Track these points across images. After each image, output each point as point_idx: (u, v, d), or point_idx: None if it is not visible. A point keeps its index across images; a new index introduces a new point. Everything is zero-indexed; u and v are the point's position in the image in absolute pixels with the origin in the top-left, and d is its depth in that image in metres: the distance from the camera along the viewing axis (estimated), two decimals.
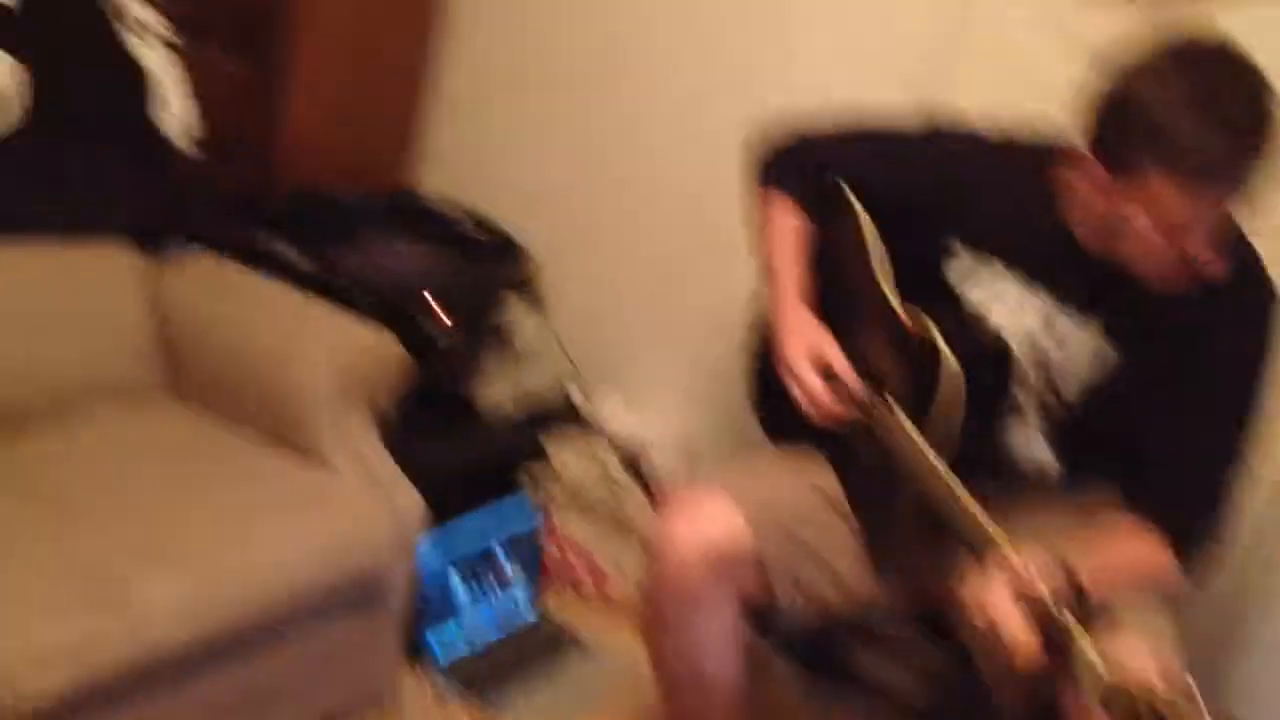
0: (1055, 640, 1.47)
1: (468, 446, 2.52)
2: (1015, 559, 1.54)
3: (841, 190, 1.91)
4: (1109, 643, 1.46)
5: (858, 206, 1.90)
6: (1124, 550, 1.70)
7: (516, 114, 2.97)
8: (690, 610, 1.80)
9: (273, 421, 2.08)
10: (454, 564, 2.35)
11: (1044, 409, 1.81)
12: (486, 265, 2.69)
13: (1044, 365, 1.78)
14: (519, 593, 2.48)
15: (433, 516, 2.25)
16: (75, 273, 2.11)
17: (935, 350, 1.74)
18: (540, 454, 2.67)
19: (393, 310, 2.30)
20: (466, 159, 3.07)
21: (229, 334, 2.15)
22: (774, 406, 1.94)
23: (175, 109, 2.19)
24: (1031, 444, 1.83)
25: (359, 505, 2.01)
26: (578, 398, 2.85)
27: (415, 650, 2.29)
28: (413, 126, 3.06)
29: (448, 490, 2.32)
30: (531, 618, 2.50)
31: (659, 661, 1.90)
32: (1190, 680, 1.44)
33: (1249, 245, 1.71)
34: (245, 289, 2.24)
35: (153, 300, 2.20)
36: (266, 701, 1.91)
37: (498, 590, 2.44)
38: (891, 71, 2.38)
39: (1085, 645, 1.44)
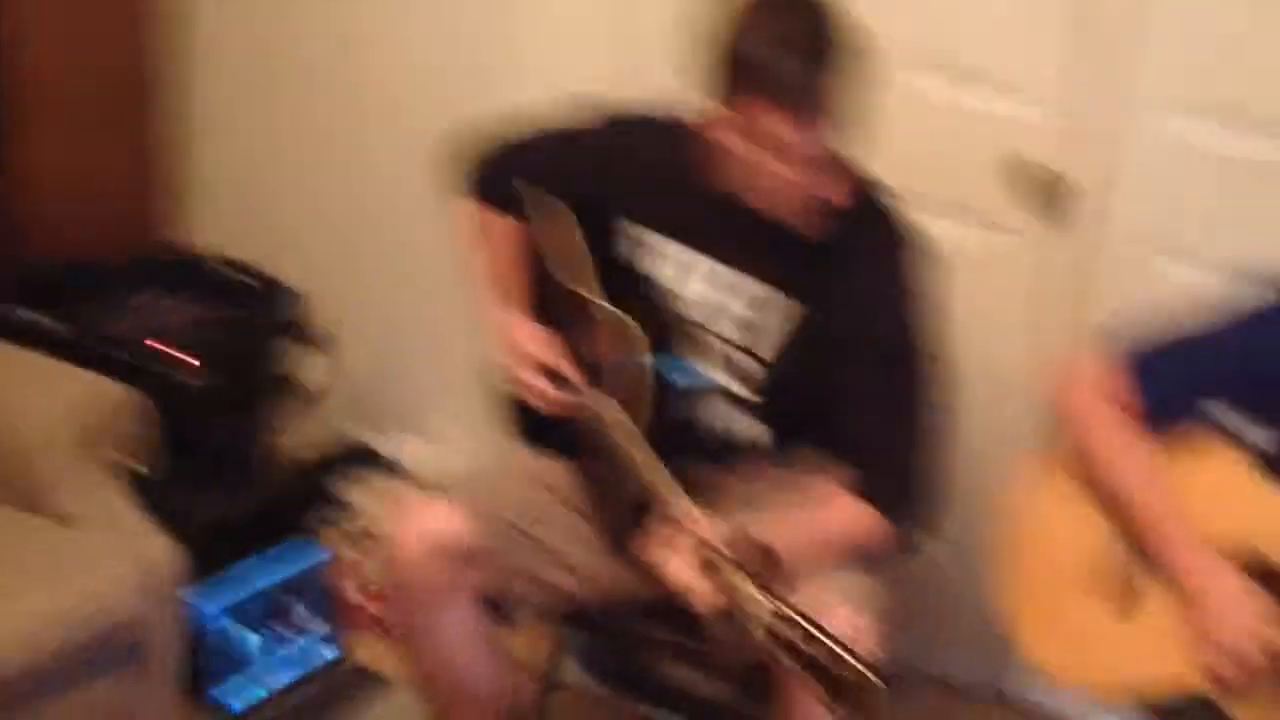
0: (725, 588, 1.51)
1: (243, 494, 2.46)
2: (690, 516, 1.60)
3: (540, 193, 1.95)
4: (797, 596, 1.49)
5: (557, 206, 1.94)
6: (827, 516, 1.76)
7: (275, 160, 2.94)
8: (426, 607, 1.86)
9: (11, 484, 2.01)
10: (232, 613, 2.28)
11: (743, 376, 1.85)
12: (248, 310, 2.64)
13: (736, 327, 1.84)
14: (315, 635, 2.43)
15: (205, 567, 2.21)
16: None
17: (625, 329, 1.81)
18: (333, 498, 2.63)
19: (135, 363, 2.26)
20: (236, 209, 3.04)
21: None
22: (520, 413, 1.99)
23: None
24: (732, 417, 1.87)
25: (104, 562, 1.95)
26: (373, 439, 2.81)
27: (206, 704, 2.22)
28: (167, 183, 3.03)
29: (219, 540, 2.28)
30: (330, 658, 2.44)
31: (412, 666, 1.96)
32: (875, 629, 1.61)
33: (881, 194, 1.81)
34: None
35: None
36: None
37: (291, 635, 2.38)
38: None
39: (746, 585, 1.47)
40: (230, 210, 3.04)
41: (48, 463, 2.01)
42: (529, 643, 2.12)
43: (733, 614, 1.49)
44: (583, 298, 1.89)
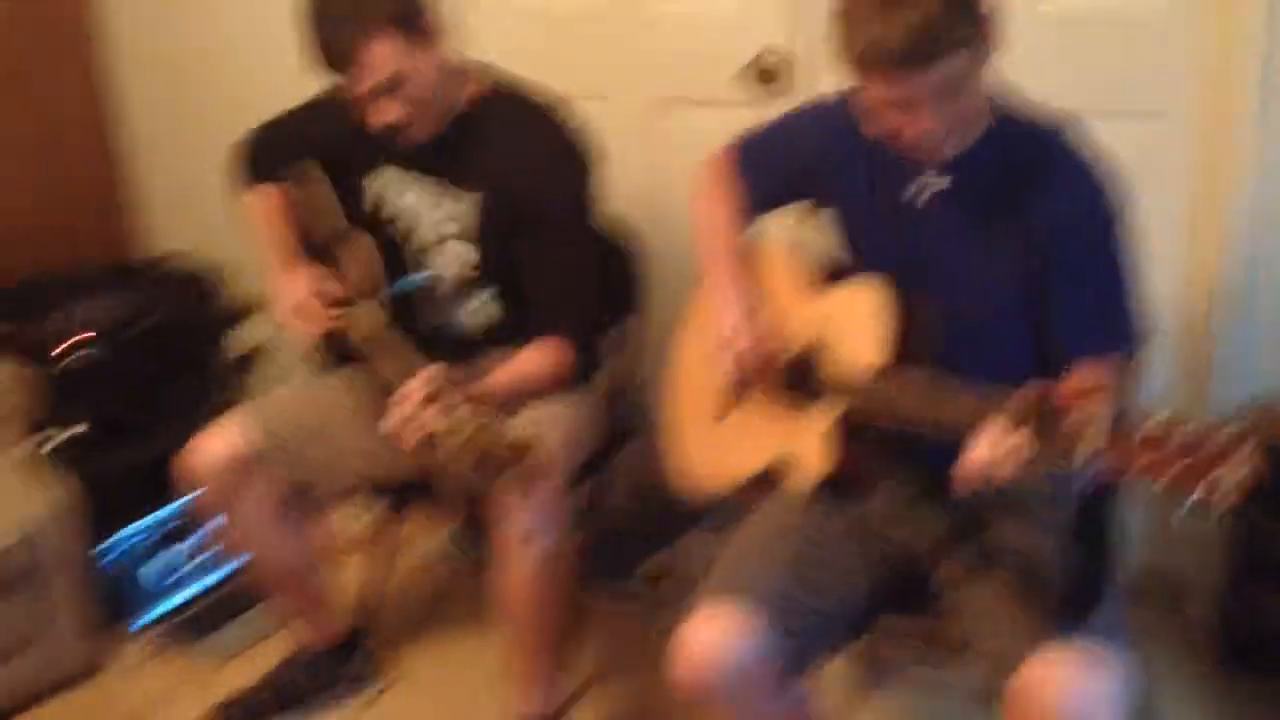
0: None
1: (143, 451, 2.87)
2: (428, 370, 1.97)
3: (290, 161, 2.36)
4: (502, 421, 1.86)
5: (309, 173, 2.35)
6: (529, 361, 2.19)
7: (204, 167, 3.38)
8: (225, 509, 2.27)
9: None
10: (133, 547, 2.75)
11: (464, 262, 2.25)
12: (158, 296, 3.12)
13: (449, 221, 2.24)
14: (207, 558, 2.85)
15: (115, 516, 2.70)
16: None
17: (364, 251, 2.23)
18: None
19: (47, 349, 2.76)
20: (172, 215, 3.52)
21: None
22: (322, 345, 2.38)
23: None
24: (470, 304, 2.30)
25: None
26: None
27: (126, 621, 2.72)
28: (119, 194, 3.52)
29: (123, 490, 2.75)
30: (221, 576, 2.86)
31: (231, 551, 2.44)
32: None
33: (510, 88, 2.24)
34: None
35: None
36: None
37: (183, 561, 2.83)
38: None
39: (464, 415, 1.85)
40: (166, 215, 3.52)
41: None
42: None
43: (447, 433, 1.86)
44: (332, 235, 2.29)
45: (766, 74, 2.58)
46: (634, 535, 2.86)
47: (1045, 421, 1.45)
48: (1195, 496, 1.31)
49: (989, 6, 1.61)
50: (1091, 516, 1.60)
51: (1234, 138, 2.25)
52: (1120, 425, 1.38)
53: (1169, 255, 2.36)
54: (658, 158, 2.79)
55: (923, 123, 1.62)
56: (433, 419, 1.89)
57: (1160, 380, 2.45)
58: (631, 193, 2.75)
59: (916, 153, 1.69)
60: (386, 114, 2.07)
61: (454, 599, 2.82)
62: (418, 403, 1.91)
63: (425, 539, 3.00)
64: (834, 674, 2.39)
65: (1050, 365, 1.71)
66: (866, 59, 1.57)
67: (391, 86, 2.05)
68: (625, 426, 2.46)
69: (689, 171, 2.15)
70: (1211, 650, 2.42)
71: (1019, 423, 1.47)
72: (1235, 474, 1.30)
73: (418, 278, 2.26)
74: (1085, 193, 1.70)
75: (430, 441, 1.90)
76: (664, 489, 2.34)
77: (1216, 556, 2.39)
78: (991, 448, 1.49)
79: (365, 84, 2.03)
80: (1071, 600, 1.60)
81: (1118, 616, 1.67)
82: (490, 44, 2.88)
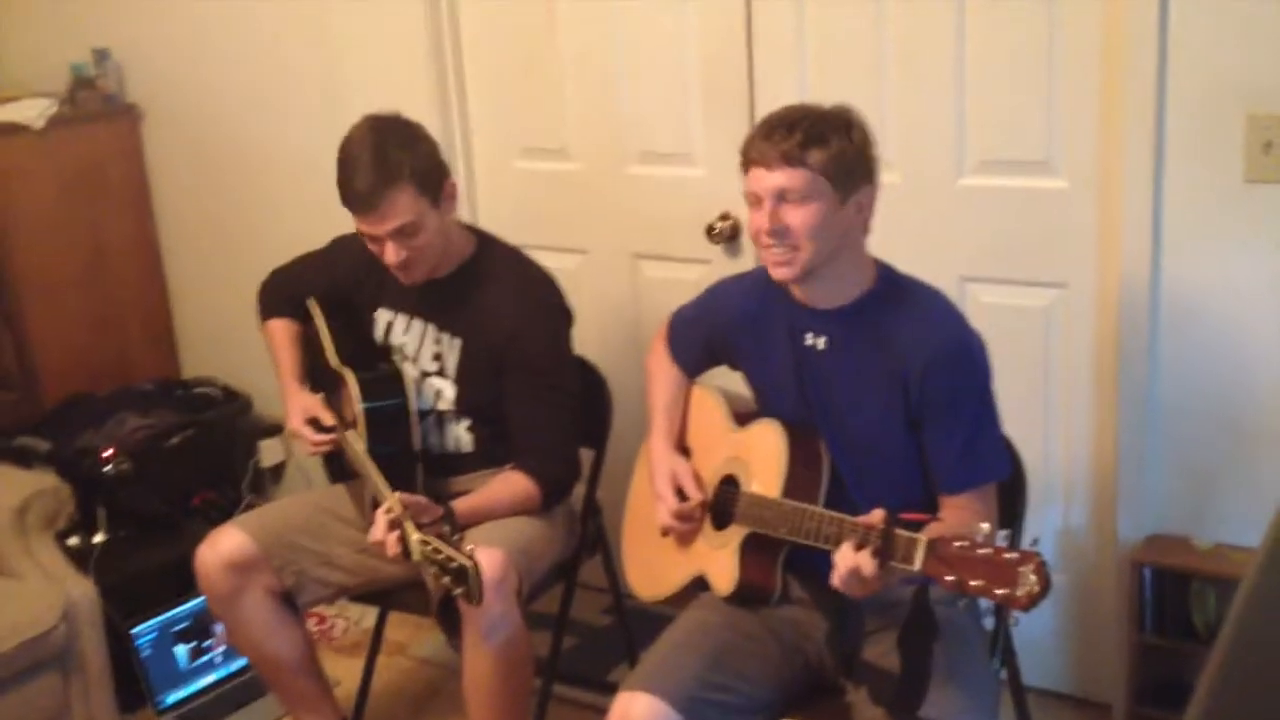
0: (401, 534, 2.22)
1: (166, 550, 3.24)
2: (390, 501, 2.28)
3: (307, 304, 2.75)
4: (463, 540, 2.20)
5: (313, 311, 2.73)
6: (502, 489, 2.52)
7: (235, 302, 3.77)
8: (226, 604, 2.59)
9: None
10: (164, 633, 3.09)
11: (443, 396, 2.58)
12: (189, 414, 3.51)
13: (431, 360, 2.60)
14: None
15: (145, 605, 3.04)
16: None
17: (353, 383, 2.57)
18: None
19: (79, 462, 3.14)
20: (210, 340, 3.94)
21: None
22: (325, 462, 2.74)
23: None
24: (446, 431, 2.62)
25: (36, 599, 2.78)
26: None
27: (147, 706, 3.04)
28: (160, 322, 3.96)
29: (151, 584, 3.10)
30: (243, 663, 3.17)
31: (235, 645, 2.70)
32: (500, 554, 2.30)
33: (496, 245, 2.64)
34: None
35: None
36: None
37: (219, 648, 3.17)
38: None
39: (409, 527, 2.20)
40: (202, 343, 3.95)
41: (5, 540, 2.85)
42: None
43: (409, 551, 2.19)
44: (330, 368, 2.64)
45: (718, 235, 2.94)
46: (603, 643, 3.15)
47: (885, 543, 1.77)
48: (997, 595, 1.63)
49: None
50: (921, 624, 1.89)
51: (1124, 307, 2.56)
52: (937, 548, 1.69)
53: (1079, 406, 2.69)
54: (631, 306, 3.17)
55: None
56: (393, 542, 2.23)
57: (1075, 518, 2.75)
58: (605, 336, 3.13)
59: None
60: (395, 254, 2.45)
61: (445, 695, 3.11)
62: (385, 525, 2.26)
63: (424, 640, 3.31)
64: None
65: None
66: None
67: (403, 232, 2.43)
68: (591, 541, 2.77)
69: (656, 318, 2.50)
70: None
71: (860, 545, 1.79)
72: (1025, 585, 1.61)
73: (386, 405, 2.59)
74: (951, 348, 2.02)
75: (405, 555, 2.23)
76: (625, 601, 2.66)
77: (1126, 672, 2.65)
78: (842, 563, 1.80)
79: (382, 227, 2.42)
80: (900, 697, 1.89)
81: (980, 712, 1.95)
82: (492, 200, 3.32)
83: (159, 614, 3.10)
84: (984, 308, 2.65)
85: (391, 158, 2.39)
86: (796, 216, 1.97)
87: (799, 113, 2.00)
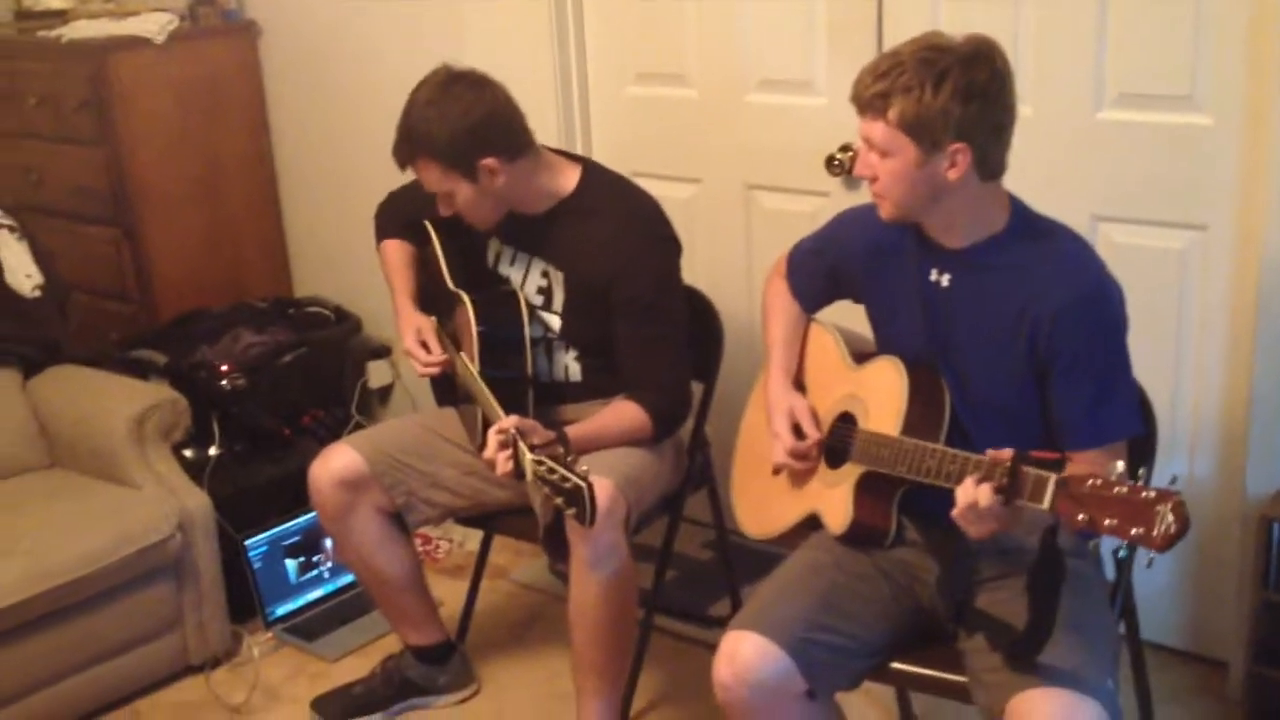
0: (515, 453, 2.22)
1: (277, 467, 3.31)
2: (504, 421, 2.27)
3: (424, 226, 2.71)
4: (576, 462, 2.14)
5: (431, 233, 2.70)
6: (613, 419, 2.49)
7: (347, 222, 3.79)
8: (339, 522, 2.63)
9: (99, 465, 2.95)
10: (275, 547, 3.14)
11: (550, 326, 2.55)
12: (301, 334, 3.53)
13: (536, 293, 2.56)
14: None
15: (259, 519, 3.10)
16: None
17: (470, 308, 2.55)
18: None
19: (196, 377, 3.18)
20: (321, 259, 3.96)
21: (73, 413, 3.04)
22: (433, 384, 2.75)
23: (19, 271, 3.14)
24: (554, 359, 2.61)
25: (152, 507, 2.84)
26: None
27: (258, 616, 3.11)
28: (273, 240, 3.99)
29: (260, 498, 3.14)
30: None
31: (343, 562, 2.74)
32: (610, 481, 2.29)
33: (604, 174, 2.58)
34: (89, 384, 3.13)
35: (32, 402, 3.12)
36: (99, 653, 2.75)
37: (327, 563, 3.21)
38: None
39: (523, 447, 2.18)
40: (313, 262, 3.97)
41: (124, 449, 2.92)
42: None
43: (521, 471, 2.19)
44: (446, 289, 2.63)
45: (838, 167, 2.85)
46: (705, 577, 3.14)
47: (1012, 480, 1.71)
48: (1132, 534, 1.56)
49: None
50: (1049, 568, 1.82)
51: (1267, 252, 2.44)
52: (1068, 485, 1.63)
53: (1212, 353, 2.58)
54: (744, 237, 3.11)
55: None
56: (504, 460, 2.21)
57: (1200, 468, 2.65)
58: (719, 268, 3.08)
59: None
60: (445, 209, 2.48)
61: (545, 620, 3.13)
62: (497, 444, 2.24)
63: (525, 565, 3.32)
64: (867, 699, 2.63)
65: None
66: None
67: (440, 195, 2.45)
68: (697, 475, 2.74)
69: (770, 251, 2.43)
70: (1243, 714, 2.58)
71: (983, 479, 1.73)
72: (1163, 524, 1.54)
73: (501, 328, 2.56)
74: (1086, 293, 1.94)
75: (518, 474, 2.22)
76: (729, 537, 2.63)
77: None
78: (963, 497, 1.75)
79: (425, 187, 2.45)
80: (1021, 643, 1.83)
81: (1100, 665, 1.89)
82: (604, 127, 3.27)
83: (270, 528, 3.16)
84: (1117, 248, 2.54)
85: (418, 130, 2.40)
86: (881, 168, 1.93)
87: (892, 60, 1.89)
